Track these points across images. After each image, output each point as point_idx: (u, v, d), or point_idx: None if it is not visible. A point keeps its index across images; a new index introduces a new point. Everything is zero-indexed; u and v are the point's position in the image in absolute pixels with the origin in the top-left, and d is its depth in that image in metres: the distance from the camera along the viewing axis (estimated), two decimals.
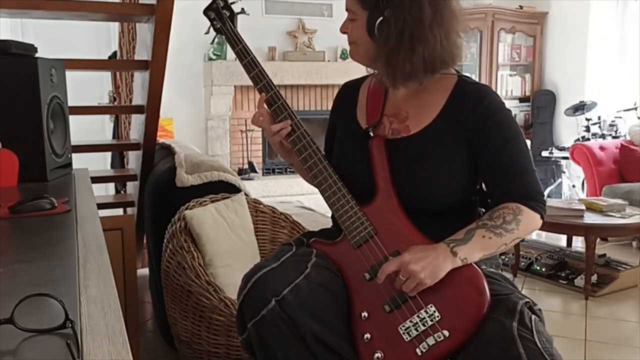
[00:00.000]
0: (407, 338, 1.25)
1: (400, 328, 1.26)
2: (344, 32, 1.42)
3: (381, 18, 1.31)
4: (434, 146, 1.33)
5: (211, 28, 1.47)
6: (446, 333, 1.22)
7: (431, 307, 1.25)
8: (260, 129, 5.49)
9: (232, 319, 1.80)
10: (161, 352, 2.46)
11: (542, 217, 1.33)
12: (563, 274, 3.45)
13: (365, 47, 1.37)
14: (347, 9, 1.39)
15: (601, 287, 3.29)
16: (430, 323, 1.24)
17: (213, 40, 1.55)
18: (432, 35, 1.30)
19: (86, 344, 0.63)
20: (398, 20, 1.29)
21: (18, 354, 0.59)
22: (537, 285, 3.44)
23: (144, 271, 3.14)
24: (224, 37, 1.47)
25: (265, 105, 1.43)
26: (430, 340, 1.23)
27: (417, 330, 1.25)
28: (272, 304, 1.21)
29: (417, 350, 1.24)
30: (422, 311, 1.25)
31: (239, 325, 1.29)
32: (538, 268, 3.56)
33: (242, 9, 1.50)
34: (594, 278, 3.30)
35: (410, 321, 1.26)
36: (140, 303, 2.89)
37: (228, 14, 1.46)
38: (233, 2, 1.47)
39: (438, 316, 1.24)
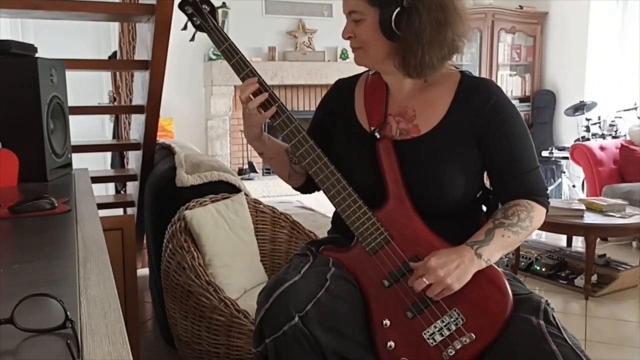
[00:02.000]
0: (432, 343, 1.23)
1: (425, 334, 1.24)
2: (348, 38, 1.32)
3: (398, 9, 1.23)
4: (445, 146, 1.31)
5: (189, 24, 1.34)
6: (473, 336, 1.21)
7: (455, 310, 1.23)
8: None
9: (232, 319, 1.80)
10: (161, 352, 2.46)
11: (547, 211, 1.35)
12: (563, 274, 3.45)
13: (378, 47, 1.28)
14: (350, 12, 1.29)
15: (601, 287, 3.29)
16: (455, 327, 1.22)
17: (193, 38, 1.39)
18: (457, 15, 1.26)
19: (86, 344, 0.63)
20: (424, 7, 1.23)
21: (18, 354, 0.59)
22: (537, 285, 3.44)
23: (144, 271, 3.14)
24: (206, 34, 1.35)
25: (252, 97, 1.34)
26: (457, 344, 1.22)
27: (442, 335, 1.23)
28: (295, 320, 1.16)
29: (444, 354, 1.22)
30: (446, 315, 1.23)
31: (256, 339, 1.24)
32: (538, 268, 3.56)
33: (223, 2, 1.40)
34: (594, 278, 3.30)
35: (434, 326, 1.24)
36: (140, 303, 2.89)
37: (208, 9, 1.33)
38: None
39: (463, 319, 1.22)
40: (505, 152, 1.31)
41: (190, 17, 1.35)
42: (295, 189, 1.57)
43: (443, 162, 1.30)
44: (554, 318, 1.20)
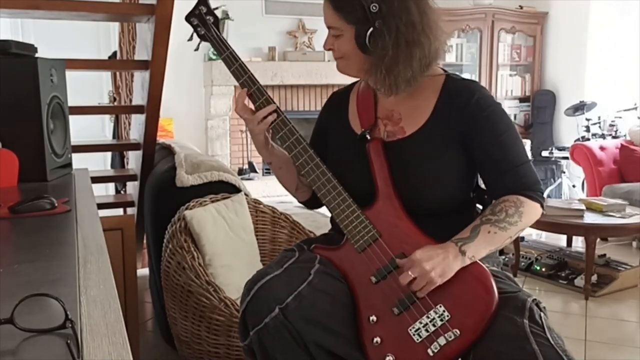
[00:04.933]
0: (417, 339, 1.25)
1: (410, 330, 1.26)
2: (329, 49, 1.38)
3: (371, 29, 1.28)
4: (431, 146, 1.33)
5: (194, 35, 1.43)
6: (457, 332, 1.22)
7: (440, 307, 1.25)
8: None
9: (232, 319, 1.80)
10: (161, 352, 2.46)
11: (541, 206, 1.34)
12: (563, 274, 3.45)
13: (357, 60, 1.34)
14: (329, 27, 1.36)
15: (601, 287, 3.29)
16: (440, 323, 1.24)
17: (197, 47, 1.49)
18: (424, 36, 1.29)
19: (86, 344, 0.63)
20: (391, 29, 1.27)
21: (18, 354, 0.59)
22: (537, 285, 3.44)
23: (144, 271, 3.14)
24: (209, 43, 1.43)
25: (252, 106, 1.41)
26: (442, 340, 1.23)
27: (427, 331, 1.24)
28: (275, 312, 1.20)
29: (429, 350, 1.24)
30: (432, 311, 1.25)
31: (242, 332, 1.29)
32: (538, 268, 3.56)
33: (227, 14, 1.47)
34: (594, 278, 3.30)
35: (420, 322, 1.25)
36: (140, 303, 2.89)
37: (212, 20, 1.42)
38: (216, 8, 1.43)
39: (448, 315, 1.24)
40: (492, 147, 1.32)
41: (195, 28, 1.43)
42: (302, 202, 1.60)
43: (428, 162, 1.33)
44: (541, 317, 1.21)
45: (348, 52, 1.34)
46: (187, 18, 1.42)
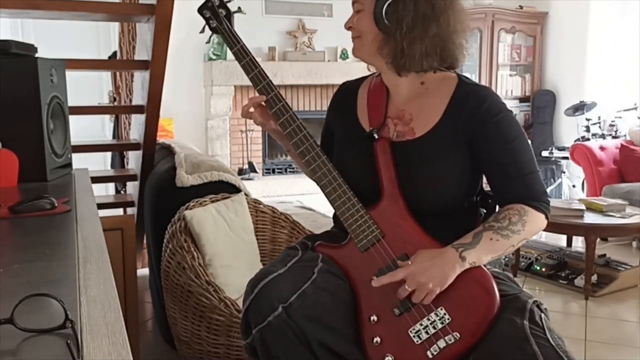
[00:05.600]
0: (417, 341, 1.25)
1: (411, 331, 1.26)
2: (349, 28, 1.38)
3: (389, 1, 1.28)
4: (439, 149, 1.33)
5: (206, 27, 1.43)
6: (457, 335, 1.22)
7: (441, 309, 1.24)
8: (260, 128, 5.49)
9: (232, 319, 1.80)
10: (161, 352, 2.46)
11: (546, 217, 1.33)
12: (563, 274, 3.45)
13: (371, 37, 1.33)
14: (353, 2, 1.37)
15: (601, 287, 3.29)
16: (440, 326, 1.24)
17: (209, 40, 1.49)
18: (443, 16, 1.29)
19: (86, 344, 0.63)
20: (411, 1, 1.27)
21: (18, 354, 0.59)
22: (537, 285, 3.44)
23: (144, 271, 3.14)
24: (220, 36, 1.43)
25: (260, 104, 1.41)
26: (442, 343, 1.23)
27: (427, 333, 1.24)
28: (278, 311, 1.20)
29: (428, 353, 1.24)
30: (432, 314, 1.25)
31: (244, 331, 1.28)
32: (538, 268, 3.56)
33: (239, 7, 1.46)
34: (594, 278, 3.30)
35: (421, 324, 1.25)
36: (140, 303, 2.89)
37: (224, 13, 1.42)
38: (229, 1, 1.42)
39: (448, 318, 1.23)
40: (500, 152, 1.31)
41: (207, 21, 1.42)
42: None
43: (435, 164, 1.33)
44: (541, 318, 1.21)
45: (365, 28, 1.34)
46: (200, 10, 1.42)
